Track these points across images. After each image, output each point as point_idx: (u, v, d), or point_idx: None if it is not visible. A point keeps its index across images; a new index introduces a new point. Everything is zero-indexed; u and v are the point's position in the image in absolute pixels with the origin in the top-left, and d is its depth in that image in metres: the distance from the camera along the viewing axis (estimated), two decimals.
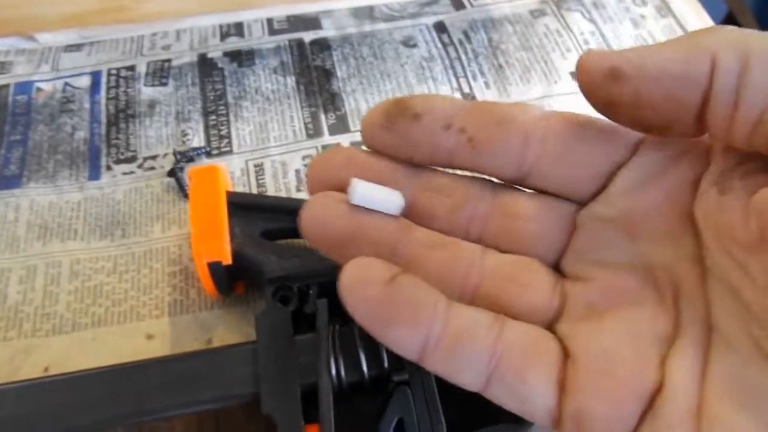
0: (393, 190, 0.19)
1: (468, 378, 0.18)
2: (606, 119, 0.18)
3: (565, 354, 0.18)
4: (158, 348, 0.33)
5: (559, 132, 0.19)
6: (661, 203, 0.18)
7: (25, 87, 0.44)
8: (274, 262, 0.32)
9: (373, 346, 0.29)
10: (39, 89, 0.44)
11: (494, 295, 0.19)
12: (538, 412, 0.17)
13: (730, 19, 0.53)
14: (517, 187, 0.20)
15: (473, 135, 0.19)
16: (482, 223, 0.20)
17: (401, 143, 0.19)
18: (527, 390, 0.17)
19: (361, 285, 0.18)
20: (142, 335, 0.33)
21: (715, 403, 0.15)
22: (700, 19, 0.48)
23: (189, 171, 0.33)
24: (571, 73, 0.45)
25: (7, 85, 0.44)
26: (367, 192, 0.19)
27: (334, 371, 0.29)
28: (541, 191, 0.20)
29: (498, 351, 0.17)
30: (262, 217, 0.34)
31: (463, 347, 0.17)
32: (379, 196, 0.19)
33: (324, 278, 0.31)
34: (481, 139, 0.19)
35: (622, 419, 0.16)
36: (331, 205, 0.19)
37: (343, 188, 0.19)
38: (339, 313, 0.31)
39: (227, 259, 0.31)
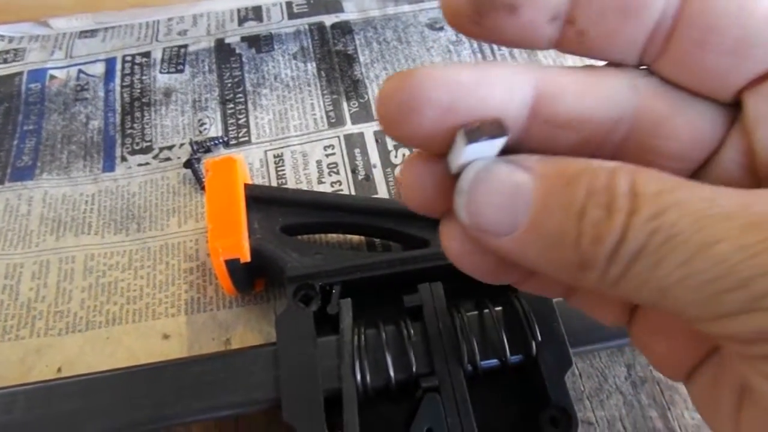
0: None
1: None
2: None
3: None
4: (175, 348, 0.31)
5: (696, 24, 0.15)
6: None
7: (38, 75, 0.43)
8: (295, 259, 0.30)
9: (400, 350, 0.28)
10: (52, 77, 0.43)
11: None
12: None
13: None
14: None
15: (585, 28, 0.15)
16: None
17: (493, 38, 0.15)
18: None
19: None
20: (158, 335, 0.32)
21: None
22: None
23: (205, 162, 0.32)
24: None
25: (20, 73, 0.43)
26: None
27: (359, 376, 0.27)
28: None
29: None
30: (282, 211, 0.32)
31: None
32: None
33: (348, 276, 0.30)
34: (595, 34, 0.15)
35: None
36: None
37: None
38: (364, 313, 0.29)
39: (245, 257, 0.29)
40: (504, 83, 0.15)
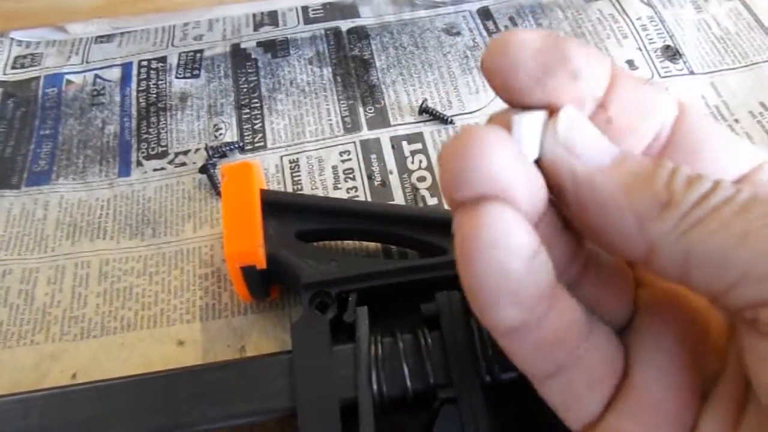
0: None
1: None
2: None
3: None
4: (190, 355, 0.31)
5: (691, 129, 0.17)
6: None
7: (55, 79, 0.43)
8: (311, 266, 0.30)
9: (417, 359, 0.27)
10: (69, 82, 0.43)
11: None
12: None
13: None
14: None
15: (613, 116, 0.16)
16: None
17: (543, 101, 0.16)
18: None
19: None
20: (173, 341, 0.31)
21: None
22: None
23: (221, 167, 0.31)
24: (628, 62, 0.42)
25: (37, 78, 0.43)
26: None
27: (375, 386, 0.26)
28: None
29: None
30: (297, 217, 0.32)
31: None
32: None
33: (364, 284, 0.29)
34: (619, 125, 0.16)
35: None
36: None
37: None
38: (380, 322, 0.29)
39: (261, 264, 0.29)
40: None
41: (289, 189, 0.37)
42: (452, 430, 0.26)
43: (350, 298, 0.29)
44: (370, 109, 0.40)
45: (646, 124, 0.17)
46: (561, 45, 0.15)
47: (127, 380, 0.28)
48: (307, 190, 0.36)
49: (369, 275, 0.30)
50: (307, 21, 0.45)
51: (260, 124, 0.40)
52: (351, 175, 0.37)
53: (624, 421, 0.16)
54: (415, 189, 0.36)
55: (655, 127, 0.17)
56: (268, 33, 0.45)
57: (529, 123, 0.16)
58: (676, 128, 0.17)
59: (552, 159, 0.15)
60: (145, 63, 0.44)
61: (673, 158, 0.16)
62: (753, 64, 0.41)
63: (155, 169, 0.38)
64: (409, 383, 0.27)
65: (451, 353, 0.27)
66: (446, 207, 0.36)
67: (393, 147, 0.38)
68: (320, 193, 0.36)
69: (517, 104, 0.16)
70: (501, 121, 0.16)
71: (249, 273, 0.29)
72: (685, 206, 0.14)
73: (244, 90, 0.42)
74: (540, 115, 0.16)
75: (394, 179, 0.37)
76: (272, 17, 0.46)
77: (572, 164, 0.15)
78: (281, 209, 0.32)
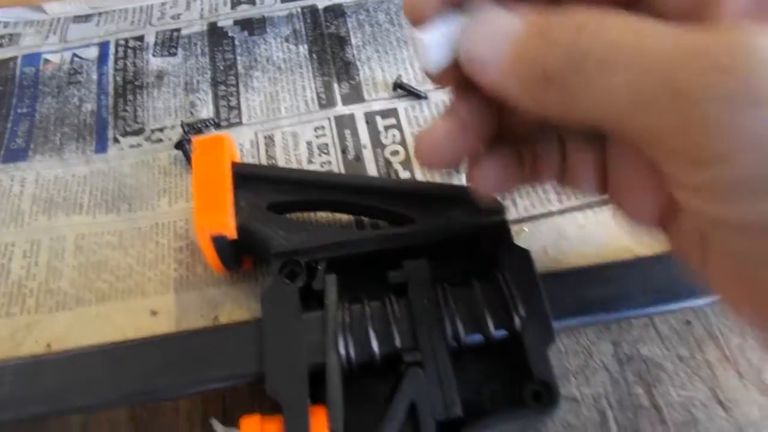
0: None
1: None
2: None
3: None
4: (163, 325, 0.31)
5: None
6: None
7: (32, 59, 0.43)
8: (282, 236, 0.30)
9: (384, 325, 0.28)
10: (47, 61, 0.43)
11: None
12: None
13: None
14: None
15: None
16: None
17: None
18: None
19: None
20: (147, 312, 0.32)
21: None
22: None
23: (193, 141, 0.32)
24: None
25: (14, 57, 0.43)
26: None
27: (342, 350, 0.27)
28: None
29: None
30: (269, 189, 0.32)
31: None
32: None
33: (333, 253, 0.30)
34: None
35: None
36: None
37: None
38: (349, 290, 0.29)
39: (232, 233, 0.29)
40: None
41: (264, 163, 0.37)
42: (417, 392, 0.26)
43: (320, 267, 0.29)
44: (345, 86, 0.40)
45: None
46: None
47: (99, 349, 0.29)
48: (281, 165, 0.37)
49: (338, 244, 0.30)
50: None
51: (236, 101, 0.40)
52: (325, 150, 0.37)
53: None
54: (389, 163, 0.37)
55: None
56: (245, 11, 0.45)
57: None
58: None
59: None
60: (122, 42, 0.44)
61: None
62: None
63: (131, 146, 0.39)
64: (375, 348, 0.27)
65: (417, 319, 0.28)
66: (418, 179, 0.36)
67: (367, 122, 0.38)
68: (294, 167, 0.37)
69: None
70: None
71: (220, 243, 0.30)
72: (561, 79, 0.16)
73: (221, 68, 0.42)
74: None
75: (367, 153, 0.37)
76: None
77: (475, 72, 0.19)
78: (253, 181, 0.32)
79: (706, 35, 0.14)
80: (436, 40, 0.19)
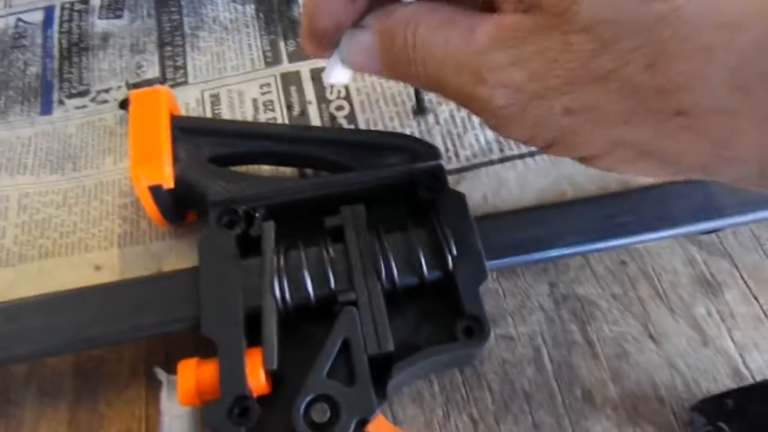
0: None
1: None
2: None
3: None
4: (106, 279, 0.32)
5: None
6: None
7: None
8: (221, 186, 0.30)
9: (320, 268, 0.28)
10: None
11: None
12: None
13: None
14: None
15: None
16: None
17: None
18: None
19: None
20: (90, 266, 0.32)
21: None
22: None
23: (129, 94, 0.32)
24: None
25: None
26: None
27: (278, 293, 0.27)
28: None
29: None
30: (210, 141, 0.32)
31: None
32: None
33: (271, 201, 0.30)
34: None
35: None
36: None
37: None
38: (288, 237, 0.30)
39: (168, 183, 0.29)
40: None
41: None
42: (351, 329, 0.27)
43: (257, 215, 0.30)
44: (292, 44, 0.40)
45: None
46: None
47: (38, 298, 0.29)
48: None
49: (276, 192, 0.30)
50: None
51: (182, 61, 0.40)
52: (270, 107, 0.37)
53: None
54: (333, 118, 0.37)
55: None
56: None
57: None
58: None
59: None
60: (68, 5, 0.43)
61: None
62: None
63: (77, 107, 0.38)
64: (311, 290, 0.28)
65: (353, 262, 0.28)
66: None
67: (313, 79, 0.39)
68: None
69: None
70: None
71: (158, 193, 0.30)
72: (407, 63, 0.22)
73: (167, 29, 0.42)
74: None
75: (312, 109, 0.37)
76: None
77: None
78: (193, 133, 0.32)
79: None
80: (333, 62, 0.25)
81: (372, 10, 0.23)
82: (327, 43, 0.24)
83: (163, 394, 0.29)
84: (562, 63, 0.17)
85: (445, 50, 0.20)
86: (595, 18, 0.16)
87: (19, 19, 0.43)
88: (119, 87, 0.39)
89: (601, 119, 0.17)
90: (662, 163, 0.18)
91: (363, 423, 0.25)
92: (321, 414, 0.25)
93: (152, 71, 0.40)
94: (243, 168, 0.34)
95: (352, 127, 0.36)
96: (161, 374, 0.30)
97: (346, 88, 0.38)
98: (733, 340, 0.29)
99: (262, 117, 0.37)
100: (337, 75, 0.25)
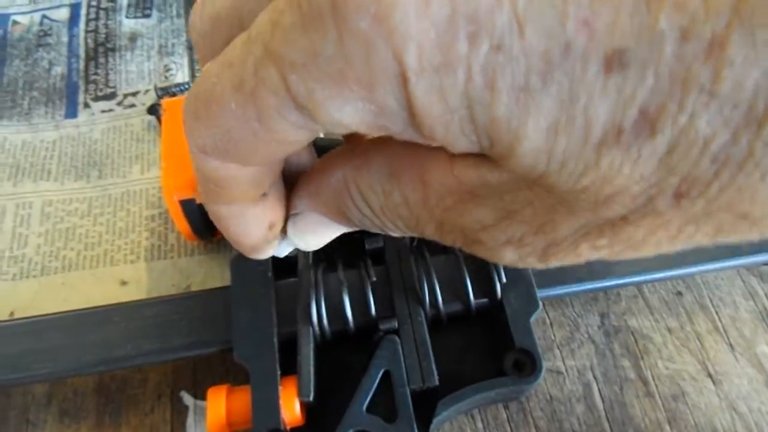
0: None
1: None
2: None
3: None
4: (133, 294, 0.30)
5: None
6: None
7: (1, 20, 0.41)
8: None
9: (360, 293, 0.26)
10: (15, 22, 0.41)
11: None
12: None
13: None
14: None
15: None
16: None
17: None
18: None
19: None
20: (116, 281, 0.31)
21: None
22: None
23: (163, 102, 0.30)
24: None
25: None
26: None
27: (315, 318, 0.26)
28: None
29: None
30: None
31: None
32: None
33: None
34: None
35: None
36: None
37: None
38: (324, 257, 0.28)
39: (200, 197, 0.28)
40: None
41: None
42: (392, 360, 0.25)
43: None
44: None
45: None
46: None
47: (63, 315, 0.27)
48: None
49: None
50: None
51: None
52: None
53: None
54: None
55: None
56: None
57: None
58: None
59: None
60: (94, 3, 0.42)
61: None
62: None
63: (103, 111, 0.37)
64: (350, 315, 0.26)
65: (394, 287, 0.27)
66: None
67: None
68: None
69: None
70: None
71: (189, 207, 0.28)
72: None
73: None
74: None
75: None
76: None
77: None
78: None
79: None
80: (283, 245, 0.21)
81: (298, 193, 0.20)
82: (267, 247, 0.21)
83: (189, 421, 0.28)
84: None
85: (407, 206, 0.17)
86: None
87: (45, 16, 0.41)
88: (147, 91, 0.37)
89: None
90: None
91: None
92: None
93: (181, 75, 0.38)
94: None
95: None
96: (188, 399, 0.28)
97: None
98: None
99: None
100: (288, 248, 0.22)
